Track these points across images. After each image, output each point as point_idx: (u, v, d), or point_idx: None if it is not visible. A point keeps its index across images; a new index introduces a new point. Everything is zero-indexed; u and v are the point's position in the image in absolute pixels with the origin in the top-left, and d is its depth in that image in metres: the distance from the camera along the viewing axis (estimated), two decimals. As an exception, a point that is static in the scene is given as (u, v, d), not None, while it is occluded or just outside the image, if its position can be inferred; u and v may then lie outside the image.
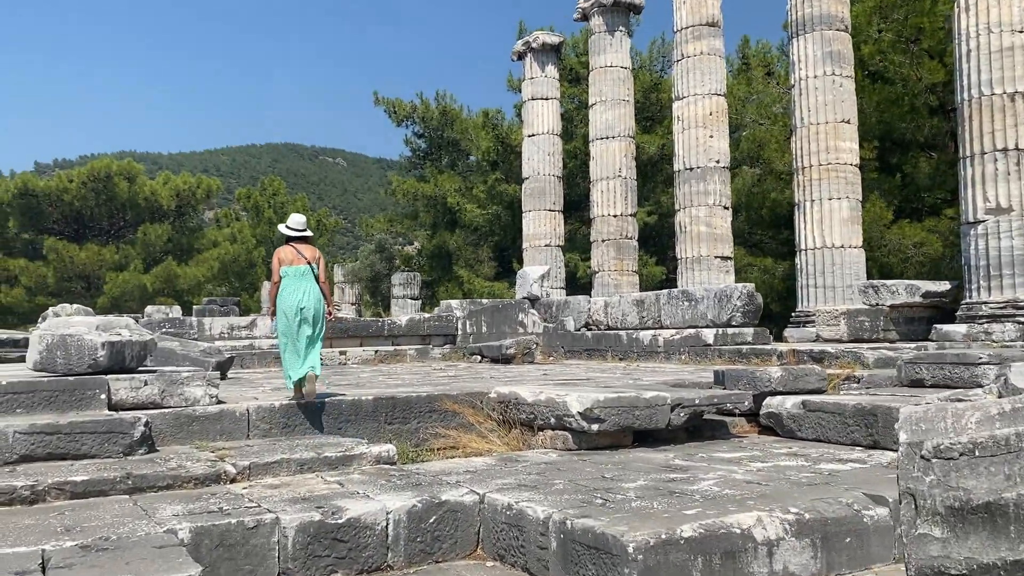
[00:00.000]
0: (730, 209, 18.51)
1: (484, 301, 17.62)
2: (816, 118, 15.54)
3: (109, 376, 6.46)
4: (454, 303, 16.92)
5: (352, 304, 38.01)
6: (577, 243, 27.11)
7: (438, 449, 6.99)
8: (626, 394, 6.55)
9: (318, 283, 7.03)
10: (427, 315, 16.54)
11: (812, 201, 15.56)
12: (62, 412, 6.17)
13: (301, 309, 6.86)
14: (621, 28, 21.38)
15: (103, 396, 6.35)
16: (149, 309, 29.44)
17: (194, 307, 30.22)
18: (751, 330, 13.36)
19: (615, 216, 21.05)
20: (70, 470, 5.10)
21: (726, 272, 18.16)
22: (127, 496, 4.81)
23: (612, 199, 21.07)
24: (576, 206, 28.29)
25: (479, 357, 15.15)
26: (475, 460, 6.07)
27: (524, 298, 17.42)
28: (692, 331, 13.44)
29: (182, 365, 11.49)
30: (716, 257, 18.05)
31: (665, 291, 15.09)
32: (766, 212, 23.59)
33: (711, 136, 18.14)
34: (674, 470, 5.31)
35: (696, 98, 18.17)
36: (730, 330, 13.20)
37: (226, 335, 15.34)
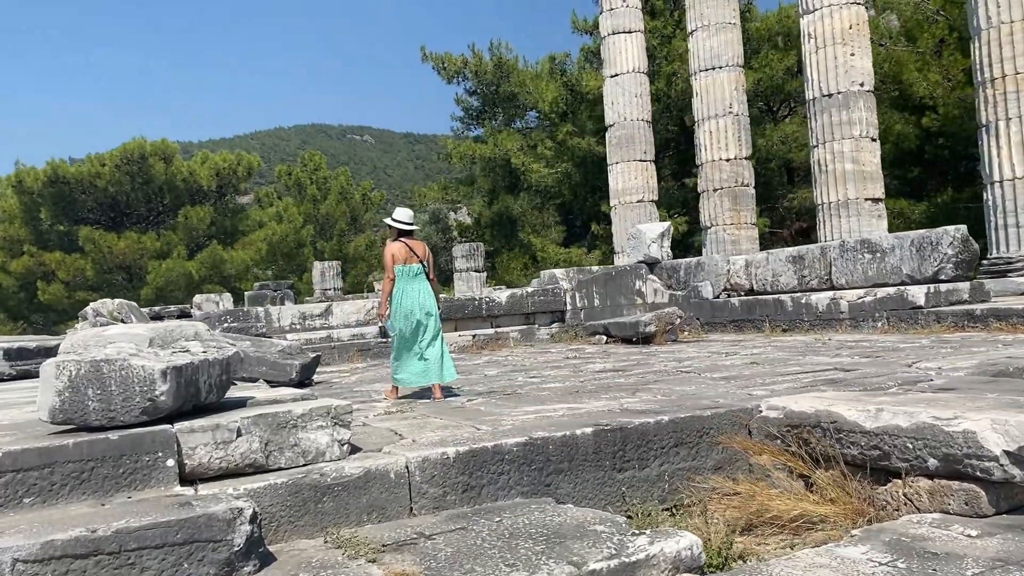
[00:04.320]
0: (878, 142, 15.43)
1: (594, 269, 14.84)
2: (1008, 15, 12.40)
3: (177, 426, 3.82)
4: (558, 272, 14.17)
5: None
6: (670, 197, 24.11)
7: (723, 510, 4.26)
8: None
9: (429, 281, 6.83)
10: (529, 289, 13.81)
11: (1007, 120, 12.48)
12: (102, 498, 3.56)
13: (420, 311, 6.66)
14: (723, -61, 18.23)
15: (170, 462, 3.72)
16: (198, 298, 27.10)
17: (246, 294, 27.83)
18: (966, 285, 10.42)
19: (727, 160, 18.06)
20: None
21: (878, 216, 15.17)
22: None
23: (723, 140, 18.07)
24: (661, 155, 25.27)
25: (604, 337, 12.40)
26: (841, 552, 3.32)
27: (640, 262, 14.59)
28: (893, 290, 10.52)
29: (256, 371, 8.93)
30: (867, 200, 15.04)
31: (834, 242, 12.17)
32: (889, 148, 20.38)
33: (852, 54, 15.05)
34: None
35: (831, 9, 15.07)
36: (942, 287, 10.28)
37: (298, 326, 12.76)
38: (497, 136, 29.36)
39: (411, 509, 3.97)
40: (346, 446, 4.18)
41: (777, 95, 26.76)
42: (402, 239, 6.77)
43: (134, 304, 18.19)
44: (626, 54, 20.52)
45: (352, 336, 12.75)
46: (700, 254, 20.69)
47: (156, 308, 25.12)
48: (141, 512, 3.30)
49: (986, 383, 5.05)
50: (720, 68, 18.09)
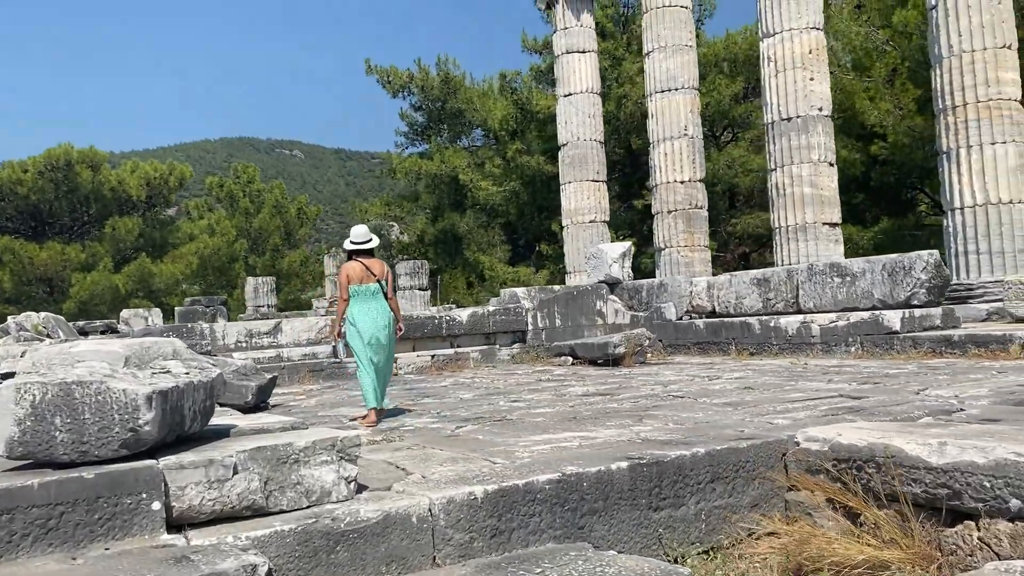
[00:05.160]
0: (835, 167, 15.49)
1: (555, 288, 14.45)
2: (970, 44, 12.53)
3: (162, 461, 3.23)
4: (520, 291, 13.72)
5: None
6: (617, 218, 23.95)
7: (767, 553, 3.84)
8: None
9: (387, 300, 6.68)
10: (491, 308, 13.33)
11: (968, 147, 12.57)
12: (73, 551, 2.97)
13: (375, 330, 6.54)
14: (679, -39, 18.22)
15: (156, 505, 3.15)
16: (125, 313, 25.78)
17: (176, 309, 26.63)
18: (939, 311, 10.34)
19: (682, 182, 17.93)
20: None
21: (835, 241, 15.18)
22: None
23: (678, 163, 17.94)
24: (609, 177, 25.15)
25: (570, 359, 11.99)
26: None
27: (601, 282, 14.27)
28: (867, 315, 10.38)
29: (209, 392, 8.22)
30: (824, 224, 15.04)
31: (801, 265, 12.03)
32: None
33: (811, 79, 15.09)
34: None
35: (791, 33, 15.10)
36: (916, 312, 10.17)
37: (244, 344, 12.01)
38: (444, 152, 28.88)
39: (434, 558, 3.46)
40: (353, 484, 3.65)
41: (721, 120, 26.98)
42: (358, 258, 6.66)
43: (61, 318, 17.06)
44: (580, 74, 20.34)
45: (303, 356, 12.06)
46: (651, 275, 20.54)
47: (80, 323, 23.79)
48: (126, 569, 2.71)
49: (1026, 414, 4.78)
50: (676, 90, 18.01)
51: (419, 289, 28.73)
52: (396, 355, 12.21)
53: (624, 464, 3.95)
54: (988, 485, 3.55)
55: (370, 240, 6.76)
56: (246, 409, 8.27)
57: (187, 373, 3.76)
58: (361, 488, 3.75)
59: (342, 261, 7.68)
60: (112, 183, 32.58)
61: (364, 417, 6.56)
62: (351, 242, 6.73)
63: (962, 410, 5.08)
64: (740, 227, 26.07)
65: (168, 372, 3.71)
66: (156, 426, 3.23)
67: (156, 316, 26.24)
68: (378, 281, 6.62)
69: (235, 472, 3.34)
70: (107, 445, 3.17)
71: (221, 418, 4.61)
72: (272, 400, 9.07)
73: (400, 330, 6.94)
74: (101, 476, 3.05)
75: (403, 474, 4.17)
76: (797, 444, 4.46)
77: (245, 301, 33.42)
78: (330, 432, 3.84)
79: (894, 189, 21.24)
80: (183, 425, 3.56)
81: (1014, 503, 3.45)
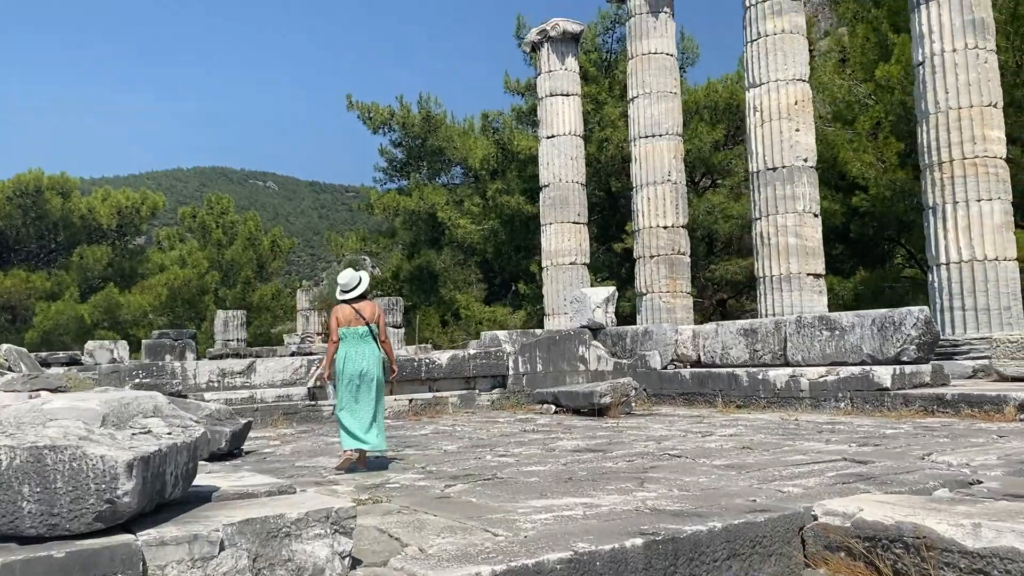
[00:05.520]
0: (820, 218, 15.49)
1: (537, 332, 14.19)
2: (956, 101, 12.62)
3: (141, 536, 2.91)
4: (501, 335, 13.45)
5: (319, 334, 34.08)
6: (596, 261, 23.83)
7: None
8: None
9: (377, 343, 6.66)
10: (471, 351, 13.03)
11: (955, 203, 12.59)
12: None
13: (362, 374, 6.51)
14: (666, 9, 18.32)
15: (131, 588, 2.79)
16: (90, 345, 25.12)
17: (143, 342, 25.95)
18: (928, 367, 10.23)
19: (665, 228, 17.86)
20: None
21: (819, 292, 15.12)
22: None
23: (661, 208, 17.88)
24: (589, 219, 25.07)
25: (553, 407, 11.70)
26: None
27: (584, 327, 14.05)
28: (858, 370, 10.23)
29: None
30: (808, 275, 14.99)
31: (790, 318, 11.90)
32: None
33: (797, 130, 15.14)
34: None
35: (778, 84, 15.17)
36: (906, 368, 10.04)
37: (216, 384, 11.60)
38: (423, 189, 28.71)
39: (441, 649, 3.14)
40: (348, 559, 3.34)
41: (701, 167, 27.11)
42: (349, 302, 6.68)
43: (23, 350, 16.45)
44: (563, 116, 20.32)
45: (277, 397, 11.66)
46: (631, 319, 20.39)
47: (43, 354, 23.10)
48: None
49: (1049, 489, 4.58)
50: (660, 136, 18.01)
51: (393, 326, 28.31)
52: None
53: (639, 541, 3.68)
54: (1032, 575, 3.32)
55: (358, 286, 6.72)
56: (220, 456, 7.90)
57: (169, 433, 3.45)
58: (355, 563, 3.45)
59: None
60: (82, 211, 31.96)
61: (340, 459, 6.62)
62: (341, 290, 6.74)
63: (979, 482, 4.87)
64: (719, 273, 26.06)
65: (149, 432, 3.39)
66: (136, 497, 2.91)
67: (122, 348, 25.59)
68: (367, 324, 6.58)
69: (221, 548, 3.02)
70: (80, 518, 2.84)
71: (199, 473, 4.29)
72: (246, 446, 8.70)
73: (394, 372, 7.04)
74: (72, 555, 2.72)
75: (398, 545, 3.86)
76: (815, 518, 4.22)
77: (214, 334, 32.76)
78: (323, 501, 3.54)
79: (873, 241, 21.35)
80: (164, 492, 3.24)
81: (1063, 597, 3.23)
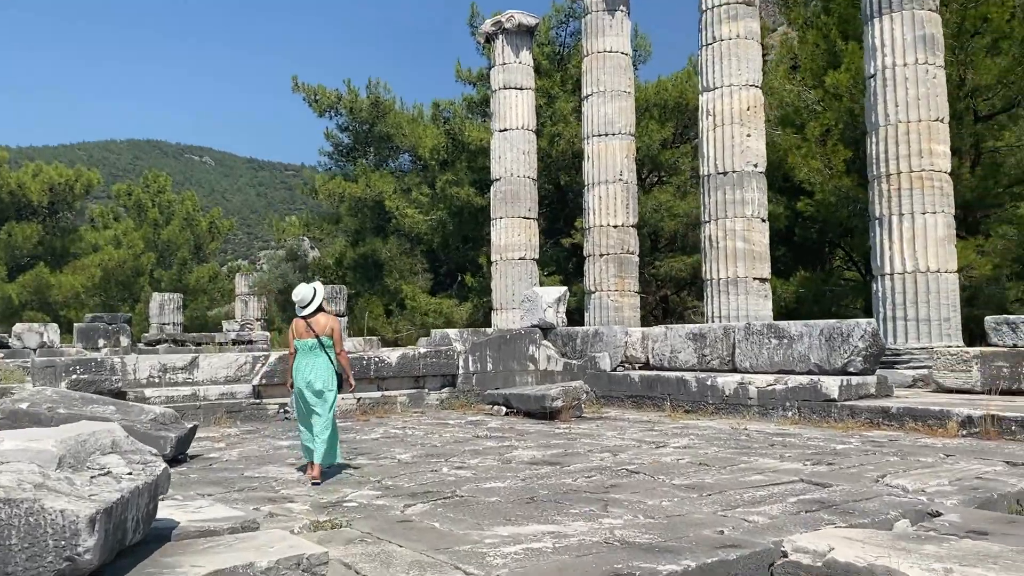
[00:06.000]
0: (767, 223, 15.69)
1: (488, 331, 14.09)
2: (905, 115, 12.87)
3: (103, 594, 2.73)
4: (452, 333, 13.32)
5: (258, 320, 33.44)
6: (544, 256, 23.78)
7: None
8: None
9: (329, 355, 6.83)
10: (422, 350, 12.87)
11: (900, 215, 12.86)
12: None
13: (307, 383, 6.76)
14: (622, 8, 18.29)
15: (93, 653, 2.62)
16: (19, 327, 24.17)
17: (76, 326, 25.12)
18: (873, 379, 10.43)
19: (616, 227, 17.90)
20: None
21: (764, 296, 15.33)
22: None
23: (612, 207, 17.91)
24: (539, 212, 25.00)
25: (503, 409, 11.63)
26: None
27: (535, 326, 14.00)
28: (806, 380, 10.37)
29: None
30: (755, 279, 15.18)
31: (739, 324, 12.01)
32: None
33: (748, 135, 15.28)
34: None
35: (731, 89, 15.28)
36: (853, 380, 10.22)
37: (157, 379, 11.23)
38: (370, 176, 28.27)
39: None
40: (319, 608, 3.20)
41: (649, 164, 27.24)
42: (305, 318, 6.88)
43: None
44: (516, 110, 20.19)
45: (221, 395, 11.35)
46: (578, 315, 20.43)
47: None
48: None
49: (1008, 525, 4.67)
50: (613, 135, 18.03)
51: (337, 315, 27.95)
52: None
53: (613, 583, 3.62)
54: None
55: (312, 300, 6.91)
56: (164, 462, 7.64)
57: (130, 473, 3.26)
58: (326, 610, 3.31)
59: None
60: (11, 186, 30.72)
61: (306, 470, 6.76)
62: (298, 306, 6.97)
63: (940, 514, 4.94)
64: (663, 270, 26.29)
65: (108, 473, 3.20)
66: (98, 552, 2.73)
67: (52, 331, 24.70)
68: (316, 337, 6.79)
69: (188, 606, 2.86)
70: (37, 577, 2.65)
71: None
72: (190, 449, 8.43)
73: (351, 387, 7.14)
74: (29, 622, 2.53)
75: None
76: (784, 554, 4.22)
77: (149, 318, 31.87)
78: (292, 544, 3.39)
79: (816, 244, 21.76)
80: (124, 540, 3.06)
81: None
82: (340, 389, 6.96)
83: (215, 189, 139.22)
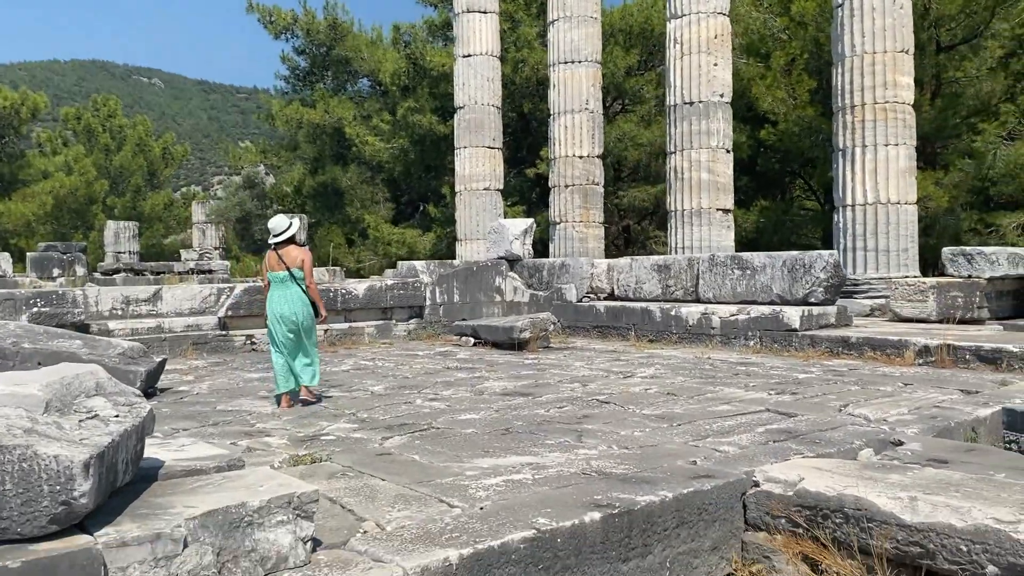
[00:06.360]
0: (732, 154, 15.74)
1: (455, 263, 14.09)
2: (872, 46, 12.88)
3: (100, 537, 2.75)
4: (419, 265, 13.29)
5: (217, 249, 32.95)
6: (507, 186, 23.67)
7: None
8: None
9: (301, 286, 6.96)
10: (388, 282, 12.84)
11: (864, 147, 12.99)
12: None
13: (281, 316, 6.91)
14: (589, -71, 17.86)
15: (92, 594, 2.65)
16: (-31, 257, 23.56)
17: (28, 255, 24.54)
18: (834, 309, 10.69)
19: (581, 157, 17.83)
20: None
21: (727, 227, 15.49)
22: None
23: (578, 137, 17.80)
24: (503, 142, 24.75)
25: (471, 340, 11.72)
26: None
27: (501, 258, 14.02)
28: (768, 310, 10.59)
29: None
30: (718, 210, 15.30)
31: (704, 255, 12.15)
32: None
33: (715, 64, 15.20)
34: None
35: (699, 17, 15.12)
36: (814, 310, 10.46)
37: (120, 312, 11.09)
38: (329, 102, 27.66)
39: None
40: (310, 544, 3.27)
41: (614, 91, 27.02)
42: (276, 248, 7.01)
43: None
44: (480, 35, 19.78)
45: (187, 327, 11.26)
46: (543, 248, 20.47)
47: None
48: None
49: (967, 453, 4.88)
50: (579, 62, 17.80)
51: (298, 245, 27.67)
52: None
53: (596, 516, 3.73)
54: (965, 549, 3.54)
55: (286, 231, 6.98)
56: (133, 396, 7.61)
57: (117, 416, 3.25)
58: (316, 544, 3.38)
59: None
60: (-47, 110, 29.50)
61: (280, 402, 6.98)
62: (271, 235, 7.05)
63: (902, 443, 5.14)
64: (627, 200, 26.35)
65: (96, 416, 3.19)
66: (93, 496, 2.74)
67: (4, 261, 24.14)
68: (287, 269, 6.91)
69: (185, 545, 2.90)
70: (33, 521, 2.66)
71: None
72: (159, 382, 8.40)
73: (323, 318, 7.23)
74: (28, 566, 2.54)
75: (353, 519, 3.80)
76: (756, 484, 4.38)
77: (104, 247, 31.26)
78: (281, 482, 3.43)
79: (777, 175, 21.93)
80: (116, 483, 3.06)
81: (991, 569, 3.46)
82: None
83: (165, 113, 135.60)
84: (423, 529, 3.57)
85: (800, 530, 4.10)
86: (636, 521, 3.86)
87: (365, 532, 3.61)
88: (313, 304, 7.04)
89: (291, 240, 7.00)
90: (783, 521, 4.18)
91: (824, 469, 4.38)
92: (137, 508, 3.07)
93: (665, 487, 4.15)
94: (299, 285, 6.94)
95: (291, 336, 6.90)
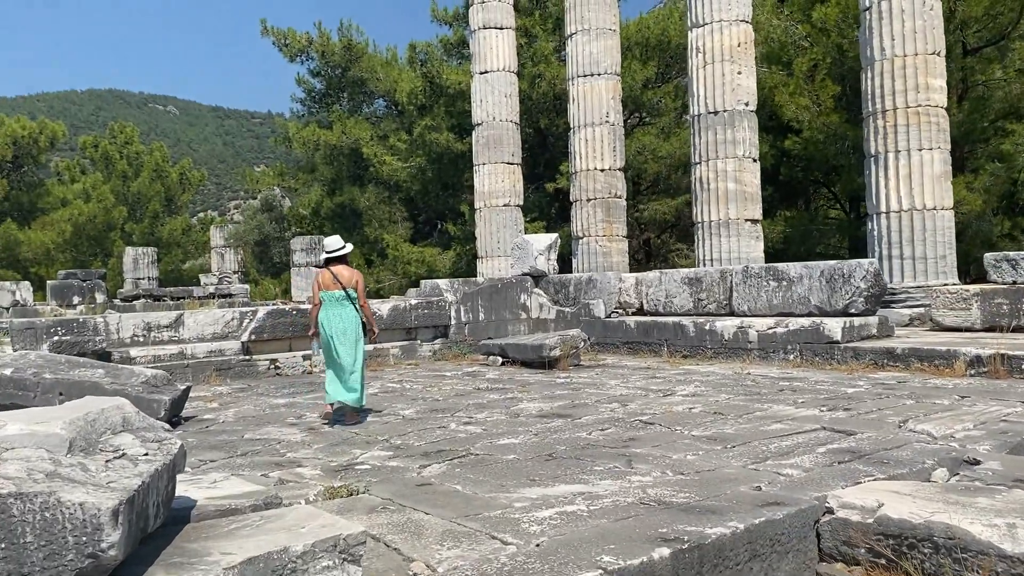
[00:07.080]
0: (759, 163, 15.43)
1: (478, 281, 13.81)
2: (902, 48, 12.56)
3: (129, 592, 2.48)
4: (442, 283, 13.03)
5: (236, 273, 32.89)
6: (527, 201, 23.43)
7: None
8: None
9: (355, 305, 7.19)
10: (413, 301, 12.58)
11: (896, 152, 12.64)
12: None
13: (342, 332, 7.10)
14: (605, -59, 17.68)
15: (123, 659, 2.37)
16: (-10, 286, 23.55)
17: (48, 283, 24.51)
18: (875, 319, 10.33)
19: (603, 171, 17.57)
20: None
21: (756, 238, 15.14)
22: None
23: (599, 150, 17.55)
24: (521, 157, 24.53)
25: (499, 359, 11.43)
26: None
27: (526, 274, 13.75)
28: (807, 322, 10.24)
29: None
30: (747, 220, 14.97)
31: (737, 267, 11.82)
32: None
33: (739, 72, 14.92)
34: None
35: (721, 25, 14.86)
36: (855, 321, 10.10)
37: (141, 338, 10.88)
38: (345, 123, 27.57)
39: None
40: (358, 593, 2.98)
41: (631, 104, 26.77)
42: (329, 266, 7.27)
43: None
44: (497, 51, 19.61)
45: (209, 352, 11.03)
46: (565, 263, 20.19)
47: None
48: None
49: (1053, 471, 4.53)
50: (599, 75, 17.57)
51: (316, 266, 27.53)
52: (310, 352, 11.44)
53: (666, 552, 3.42)
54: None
55: (341, 248, 7.29)
56: (158, 426, 7.36)
57: (146, 455, 2.98)
58: (364, 591, 3.09)
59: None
60: (-27, 140, 29.65)
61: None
62: (325, 251, 7.36)
63: (978, 462, 4.79)
64: (647, 214, 26.03)
65: (124, 455, 2.92)
66: (123, 546, 2.46)
67: (25, 289, 24.13)
68: (343, 288, 7.16)
69: (224, 601, 2.62)
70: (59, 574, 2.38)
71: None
72: (184, 411, 8.15)
73: (374, 333, 7.52)
74: (51, 629, 2.27)
75: (399, 559, 3.51)
76: (830, 511, 4.05)
77: (123, 273, 31.24)
78: (325, 523, 3.15)
79: (802, 184, 21.58)
80: (147, 528, 2.79)
81: (1109, 605, 3.12)
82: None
83: (180, 139, 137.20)
84: (478, 571, 3.27)
85: (883, 560, 3.77)
86: (707, 556, 3.55)
87: (415, 575, 3.32)
88: (363, 324, 7.28)
89: (342, 259, 7.27)
90: (863, 551, 3.85)
91: (903, 493, 4.05)
92: (170, 556, 2.80)
93: (734, 517, 3.84)
94: (353, 304, 7.19)
95: (347, 353, 7.12)
